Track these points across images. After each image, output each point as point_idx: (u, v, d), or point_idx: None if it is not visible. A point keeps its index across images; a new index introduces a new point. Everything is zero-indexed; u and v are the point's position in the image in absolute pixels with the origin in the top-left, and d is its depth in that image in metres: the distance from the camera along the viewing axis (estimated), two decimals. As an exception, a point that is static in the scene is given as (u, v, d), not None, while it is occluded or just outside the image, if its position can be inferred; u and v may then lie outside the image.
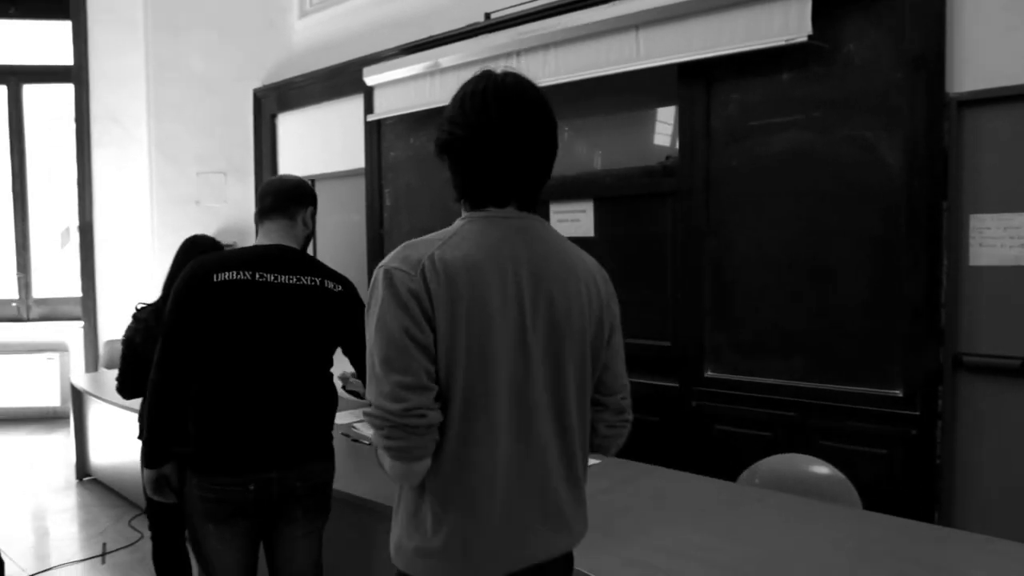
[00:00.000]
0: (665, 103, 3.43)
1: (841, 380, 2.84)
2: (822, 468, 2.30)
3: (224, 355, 1.89)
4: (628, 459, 2.65)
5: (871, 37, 2.74)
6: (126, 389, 2.65)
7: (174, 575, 2.72)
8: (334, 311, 1.99)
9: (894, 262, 2.72)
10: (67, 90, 6.16)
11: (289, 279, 1.94)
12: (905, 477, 2.68)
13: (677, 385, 3.31)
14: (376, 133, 4.73)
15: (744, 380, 3.09)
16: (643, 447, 3.25)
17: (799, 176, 2.94)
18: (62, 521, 3.93)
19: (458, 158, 1.34)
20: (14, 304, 6.47)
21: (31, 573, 3.27)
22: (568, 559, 1.41)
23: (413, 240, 1.32)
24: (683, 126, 3.28)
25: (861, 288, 2.80)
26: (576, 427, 1.34)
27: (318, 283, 1.99)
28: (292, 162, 5.73)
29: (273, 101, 5.70)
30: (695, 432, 3.23)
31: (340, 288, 2.03)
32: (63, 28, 6.14)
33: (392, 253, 1.29)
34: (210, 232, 5.79)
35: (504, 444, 1.26)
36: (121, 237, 6.03)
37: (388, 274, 1.24)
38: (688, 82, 3.23)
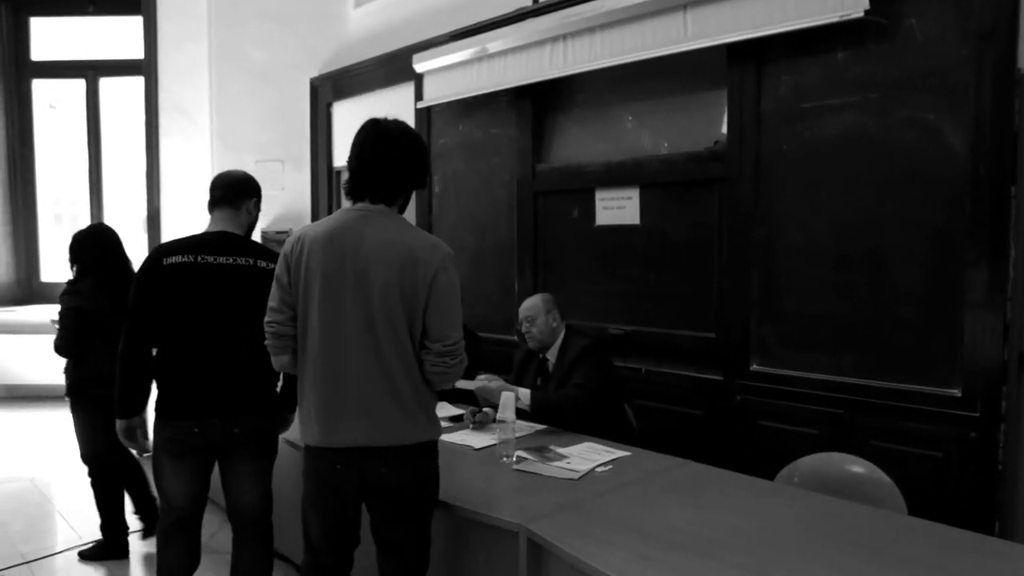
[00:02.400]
0: (714, 86, 3.29)
1: (894, 377, 2.68)
2: (865, 469, 2.17)
3: (175, 325, 2.31)
4: (665, 452, 2.57)
5: (934, 11, 2.56)
6: (69, 350, 3.14)
7: (114, 517, 3.30)
8: (265, 286, 2.18)
9: (956, 252, 2.54)
10: (139, 83, 6.40)
11: (227, 260, 2.33)
12: (962, 483, 2.50)
13: (721, 378, 3.20)
14: (426, 120, 4.74)
15: (791, 375, 2.95)
16: (685, 440, 3.17)
17: (854, 161, 2.78)
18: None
19: (347, 177, 1.99)
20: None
21: (77, 544, 3.43)
22: (399, 452, 1.90)
23: (310, 223, 2.04)
24: (732, 109, 3.15)
25: (918, 280, 2.63)
26: (395, 359, 1.86)
27: (252, 262, 2.37)
28: (346, 150, 5.80)
29: (329, 90, 5.78)
30: (738, 427, 3.11)
31: (273, 266, 2.24)
32: (135, 23, 6.39)
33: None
34: (268, 219, 5.95)
35: (319, 360, 1.88)
36: (185, 224, 6.24)
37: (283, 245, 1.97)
38: (738, 63, 3.10)
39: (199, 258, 2.31)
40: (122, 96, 6.88)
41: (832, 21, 2.68)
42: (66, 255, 3.25)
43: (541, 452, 2.49)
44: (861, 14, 2.61)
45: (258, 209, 2.53)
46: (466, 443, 2.65)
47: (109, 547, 3.31)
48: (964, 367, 2.52)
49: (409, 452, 1.91)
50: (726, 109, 3.20)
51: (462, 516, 2.06)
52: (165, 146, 6.29)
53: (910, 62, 2.62)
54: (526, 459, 2.42)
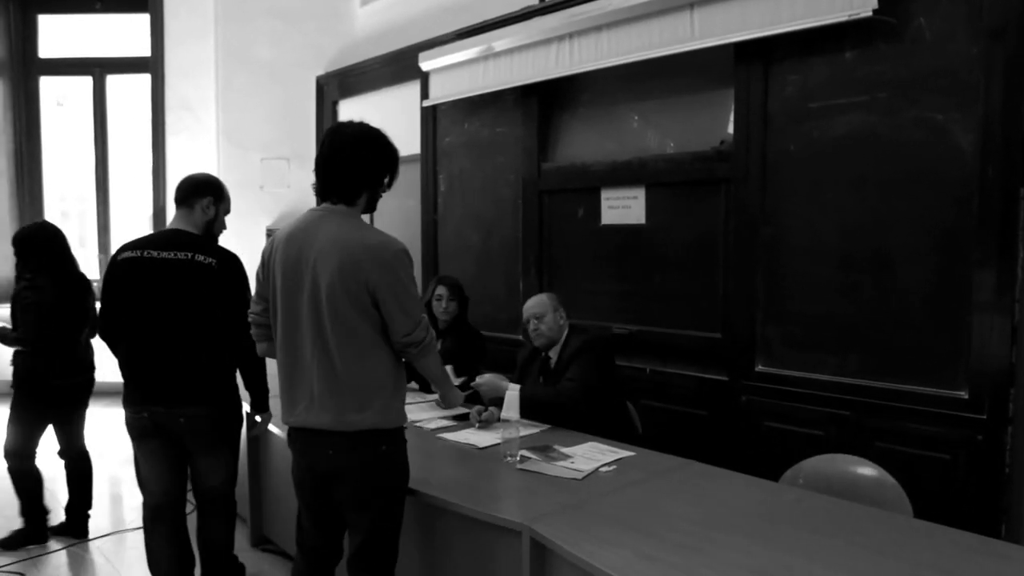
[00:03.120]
0: (720, 85, 3.28)
1: (901, 379, 2.66)
2: (870, 470, 2.16)
3: (127, 317, 2.47)
4: (669, 452, 2.56)
5: (943, 9, 2.54)
6: (32, 342, 3.22)
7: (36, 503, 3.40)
8: (203, 280, 2.45)
9: (963, 254, 2.53)
10: (145, 80, 6.42)
11: (166, 255, 2.45)
12: (969, 486, 2.49)
13: (726, 379, 3.19)
14: (431, 118, 4.74)
15: (797, 376, 2.94)
16: (689, 441, 3.15)
17: (861, 161, 2.76)
18: (126, 491, 4.12)
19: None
20: (97, 284, 6.82)
21: (104, 533, 3.44)
22: (347, 436, 1.97)
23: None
24: (739, 109, 3.14)
25: (925, 281, 2.61)
26: (344, 350, 1.94)
27: (189, 257, 2.46)
28: (352, 149, 5.81)
29: (335, 88, 5.79)
30: (743, 428, 3.10)
31: (212, 261, 2.48)
32: (143, 21, 6.40)
33: None
34: (273, 216, 5.95)
35: (281, 347, 2.03)
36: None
37: None
38: (745, 62, 3.09)
39: (144, 253, 2.46)
40: (129, 93, 6.89)
41: (840, 20, 2.67)
42: (12, 250, 3.34)
43: (545, 452, 2.48)
44: (870, 13, 2.59)
45: (217, 207, 2.60)
46: (470, 442, 2.65)
47: (29, 534, 3.38)
48: (971, 369, 2.50)
49: (354, 438, 1.97)
50: (732, 109, 3.19)
51: (465, 515, 2.05)
52: (171, 143, 6.32)
53: (919, 61, 2.61)
54: (530, 458, 2.41)
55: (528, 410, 2.67)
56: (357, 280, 1.91)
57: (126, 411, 2.52)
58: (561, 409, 2.78)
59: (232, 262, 2.53)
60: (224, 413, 2.57)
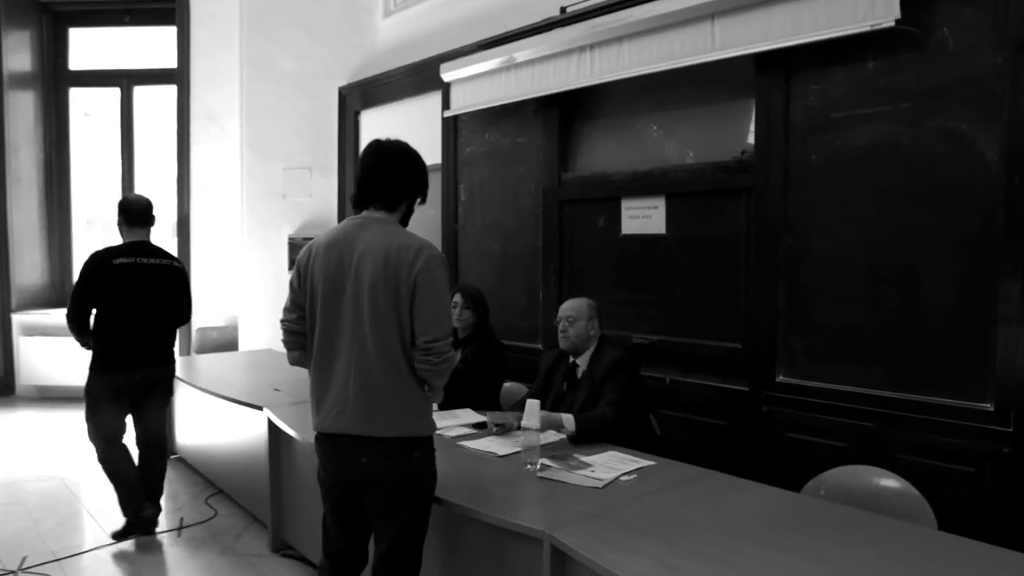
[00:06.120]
0: (740, 95, 3.29)
1: (925, 390, 2.64)
2: (893, 482, 2.14)
3: (118, 307, 3.36)
4: (690, 462, 2.55)
5: (967, 18, 2.53)
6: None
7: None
8: (174, 278, 3.57)
9: (989, 264, 2.50)
10: (171, 91, 6.53)
11: (154, 261, 3.49)
12: (995, 499, 2.45)
13: (747, 389, 3.17)
14: (452, 129, 4.77)
15: (819, 387, 2.92)
16: (709, 451, 3.14)
17: (884, 172, 2.75)
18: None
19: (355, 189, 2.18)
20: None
21: (112, 541, 3.47)
22: (384, 444, 2.02)
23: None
24: (760, 119, 3.14)
25: (950, 292, 2.59)
26: (383, 354, 1.99)
27: (168, 263, 3.54)
28: (374, 158, 5.86)
29: (357, 99, 5.85)
30: (764, 439, 3.08)
31: (178, 265, 3.61)
32: (170, 33, 6.53)
33: None
34: (296, 225, 6.01)
35: (318, 353, 2.07)
36: (214, 230, 6.35)
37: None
38: (766, 73, 3.09)
39: (137, 260, 3.44)
40: (155, 104, 7.01)
41: (863, 30, 2.66)
42: (47, 258, 3.83)
43: (565, 460, 2.49)
44: (892, 23, 2.59)
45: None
46: (490, 450, 2.66)
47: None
48: (997, 381, 2.47)
49: (389, 444, 2.01)
50: (753, 119, 3.19)
51: (486, 523, 2.06)
52: (196, 153, 6.42)
53: (942, 71, 2.59)
54: (550, 467, 2.42)
55: (583, 438, 2.69)
56: (399, 276, 1.98)
57: (114, 376, 3.36)
58: (609, 431, 2.78)
59: (183, 266, 3.69)
60: (174, 370, 3.70)
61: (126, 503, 3.52)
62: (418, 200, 2.18)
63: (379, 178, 2.10)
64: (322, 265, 2.05)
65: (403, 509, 2.05)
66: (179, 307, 3.59)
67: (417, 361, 2.01)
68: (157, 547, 3.45)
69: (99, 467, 3.53)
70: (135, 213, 3.52)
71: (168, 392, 3.66)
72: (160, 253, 3.52)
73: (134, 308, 3.38)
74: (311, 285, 2.08)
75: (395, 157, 2.12)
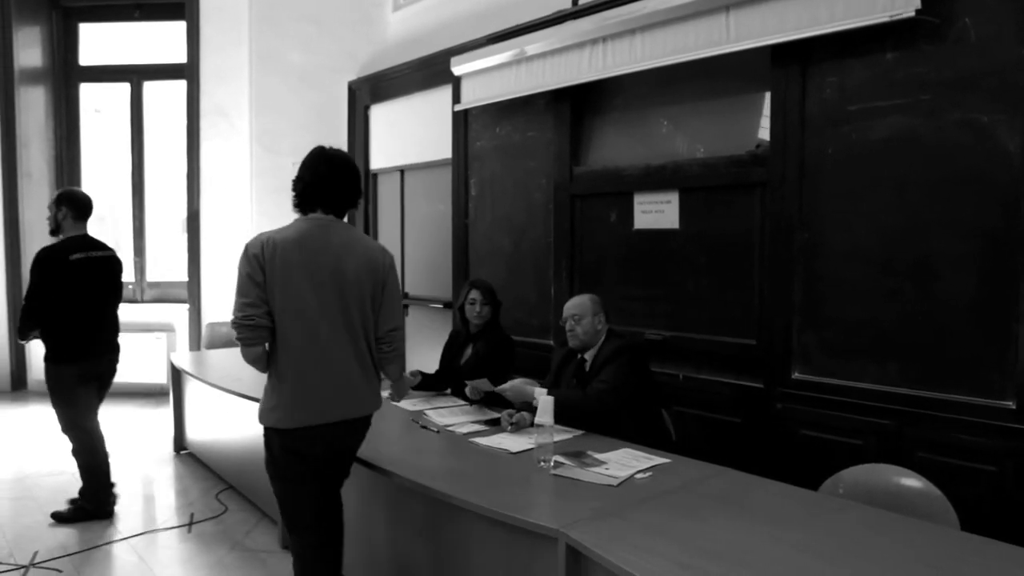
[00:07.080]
0: (756, 88, 3.24)
1: (944, 388, 2.59)
2: (914, 481, 2.10)
3: (74, 300, 3.52)
4: (703, 459, 2.52)
5: (989, 8, 2.48)
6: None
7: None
8: (118, 269, 3.79)
9: (1009, 259, 2.46)
10: (181, 86, 6.52)
11: (100, 253, 3.67)
12: (1017, 499, 2.41)
13: (761, 386, 3.14)
14: (463, 123, 4.74)
15: (834, 383, 2.88)
16: (723, 448, 3.11)
17: (902, 165, 2.71)
18: (159, 491, 4.16)
19: (299, 191, 2.29)
20: (130, 286, 6.93)
21: (123, 536, 3.47)
22: (366, 420, 2.33)
23: (266, 231, 2.22)
24: (775, 112, 3.09)
25: (969, 287, 2.55)
26: (363, 340, 2.24)
27: (111, 254, 3.74)
28: (383, 152, 5.85)
29: (366, 93, 5.83)
30: (779, 436, 3.05)
31: (117, 256, 3.79)
32: (179, 28, 6.51)
33: (252, 239, 2.21)
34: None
35: (302, 345, 2.16)
36: (223, 225, 6.34)
37: (245, 249, 2.20)
38: (782, 65, 3.04)
39: (90, 254, 3.61)
40: (165, 99, 7.01)
41: (881, 21, 2.62)
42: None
43: (579, 457, 2.46)
44: (912, 13, 2.54)
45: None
46: (503, 447, 2.63)
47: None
48: (1019, 378, 2.43)
49: (366, 421, 2.34)
50: (767, 112, 3.15)
51: (500, 521, 2.04)
52: (205, 148, 6.40)
53: (963, 62, 2.55)
54: (564, 464, 2.39)
55: (556, 413, 2.64)
56: (377, 274, 2.27)
57: (87, 364, 3.56)
58: (590, 412, 2.75)
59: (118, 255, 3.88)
60: (118, 356, 3.84)
61: (100, 495, 3.68)
62: (353, 207, 2.39)
63: (331, 186, 2.25)
64: (300, 262, 2.15)
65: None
66: (119, 294, 3.85)
67: (379, 349, 2.30)
68: (167, 543, 3.45)
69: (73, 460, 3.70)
70: (84, 207, 3.65)
71: (111, 381, 3.81)
72: (102, 245, 3.71)
73: (91, 299, 3.60)
74: (282, 281, 2.14)
75: (346, 168, 2.30)
